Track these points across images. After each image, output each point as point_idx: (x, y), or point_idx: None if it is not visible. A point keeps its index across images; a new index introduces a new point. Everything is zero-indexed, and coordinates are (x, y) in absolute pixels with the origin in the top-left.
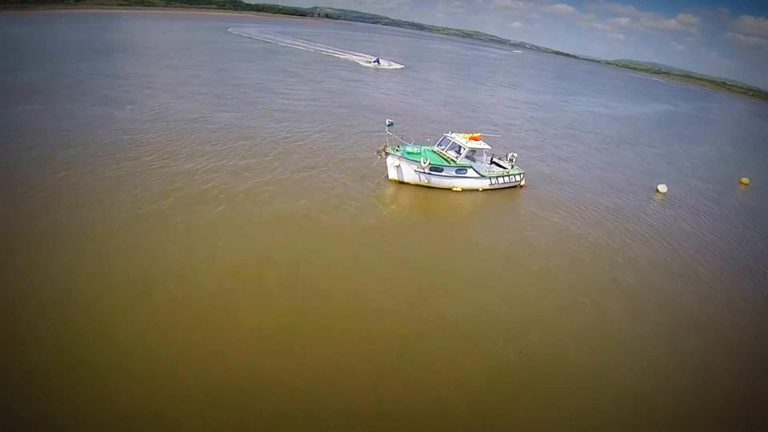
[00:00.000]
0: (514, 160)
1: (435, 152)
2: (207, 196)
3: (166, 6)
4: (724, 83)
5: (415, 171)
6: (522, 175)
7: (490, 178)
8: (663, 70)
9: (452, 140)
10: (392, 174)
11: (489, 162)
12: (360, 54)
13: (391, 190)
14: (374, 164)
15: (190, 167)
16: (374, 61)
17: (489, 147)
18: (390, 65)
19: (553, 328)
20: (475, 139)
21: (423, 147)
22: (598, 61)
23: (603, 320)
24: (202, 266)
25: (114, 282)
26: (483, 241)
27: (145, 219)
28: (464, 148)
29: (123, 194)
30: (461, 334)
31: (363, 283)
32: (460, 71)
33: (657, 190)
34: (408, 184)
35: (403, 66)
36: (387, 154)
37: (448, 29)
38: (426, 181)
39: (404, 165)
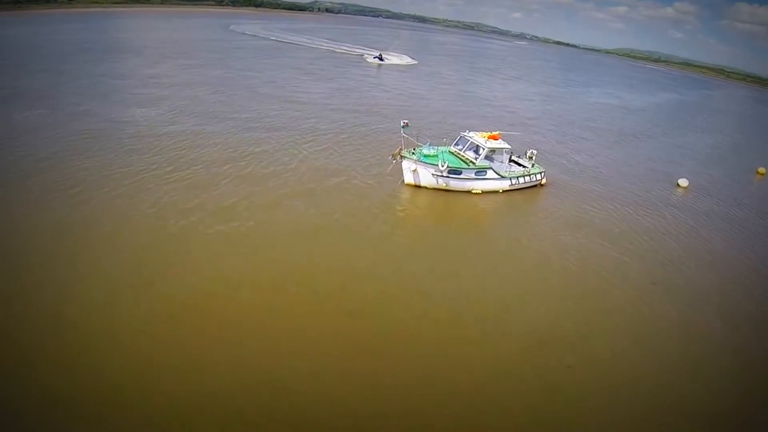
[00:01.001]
0: (533, 157)
1: (452, 153)
2: (235, 210)
3: (162, 3)
4: (723, 70)
5: (433, 175)
6: (543, 174)
7: (510, 178)
8: (663, 59)
9: (470, 140)
10: (408, 178)
11: (508, 161)
12: (368, 49)
13: (407, 195)
14: (389, 169)
15: (212, 174)
16: (375, 57)
17: (509, 146)
18: (402, 60)
19: (609, 338)
20: (495, 138)
21: (439, 148)
22: (599, 51)
23: (659, 326)
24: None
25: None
26: (513, 248)
27: (176, 238)
28: (483, 149)
29: (146, 213)
30: (512, 347)
31: (393, 299)
32: (470, 64)
33: (678, 185)
34: (425, 188)
35: (416, 62)
36: (402, 158)
37: (449, 21)
38: (444, 184)
39: (421, 169)
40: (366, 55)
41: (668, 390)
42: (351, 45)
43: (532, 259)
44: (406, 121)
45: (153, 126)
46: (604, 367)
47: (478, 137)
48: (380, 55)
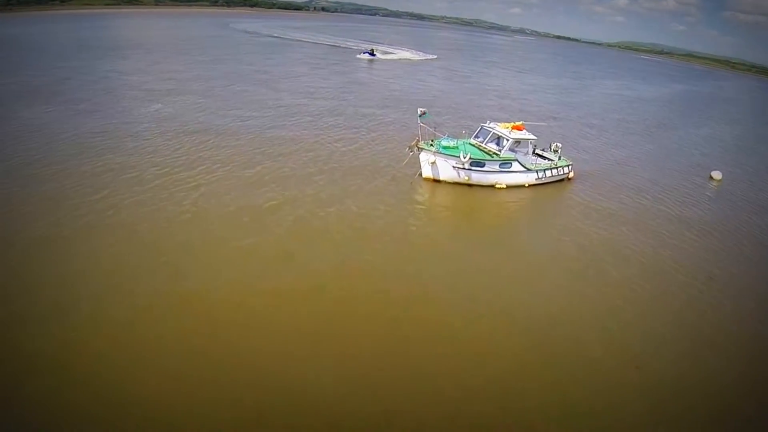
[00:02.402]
0: (559, 150)
1: (473, 145)
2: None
3: (156, 4)
4: (728, 61)
5: (454, 167)
6: (570, 167)
7: (537, 171)
8: (665, 51)
9: (492, 131)
10: (426, 172)
11: (532, 153)
12: (372, 44)
13: (427, 190)
14: (405, 162)
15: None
16: (365, 53)
17: (535, 137)
18: (416, 55)
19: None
20: (519, 128)
21: (458, 140)
22: (600, 44)
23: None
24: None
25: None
26: (553, 252)
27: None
28: (507, 139)
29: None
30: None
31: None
32: (480, 58)
33: (711, 177)
34: (445, 182)
35: (434, 56)
36: (420, 149)
37: (447, 18)
38: (466, 178)
39: (440, 161)
40: (367, 51)
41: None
42: (355, 41)
43: (582, 261)
44: (423, 109)
45: (173, 122)
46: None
47: (500, 128)
48: (372, 50)
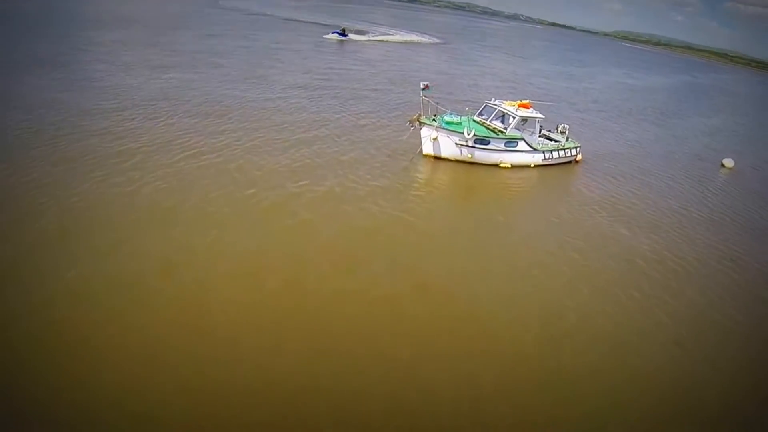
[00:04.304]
0: (566, 131)
1: (477, 122)
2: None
3: None
4: (726, 54)
5: (456, 144)
6: (578, 149)
7: (543, 152)
8: (663, 42)
9: (497, 108)
10: (427, 148)
11: (539, 134)
12: (364, 24)
13: (427, 168)
14: (406, 136)
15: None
16: (335, 33)
17: (542, 116)
18: (420, 38)
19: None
20: (525, 106)
21: (462, 116)
22: (596, 33)
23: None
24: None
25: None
26: (558, 242)
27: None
28: (513, 117)
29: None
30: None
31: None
32: (480, 43)
33: (723, 165)
34: (447, 159)
35: (439, 40)
36: (421, 124)
37: (439, 1)
38: (469, 155)
39: (442, 137)
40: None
41: None
42: (351, 22)
43: (600, 252)
44: (426, 83)
45: (201, 94)
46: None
47: (506, 105)
48: (343, 30)
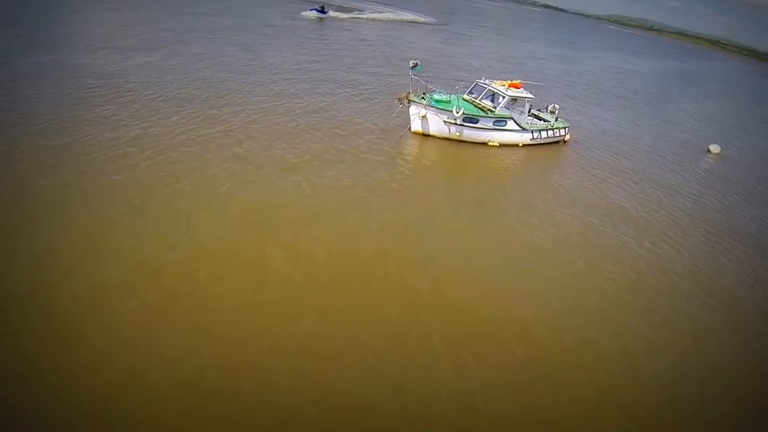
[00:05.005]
0: (556, 111)
1: (467, 101)
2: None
3: None
4: (718, 42)
5: (445, 122)
6: (567, 129)
7: (532, 131)
8: (656, 27)
9: (487, 87)
10: (416, 126)
11: (528, 114)
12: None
13: (415, 145)
14: (394, 114)
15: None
16: (313, 10)
17: (532, 96)
18: (415, 17)
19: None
20: (516, 86)
21: (452, 95)
22: (589, 16)
23: None
24: None
25: None
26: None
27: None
28: (503, 97)
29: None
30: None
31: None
32: (474, 23)
33: (709, 150)
34: (435, 137)
35: (432, 20)
36: (410, 102)
37: None
38: (457, 134)
39: (431, 115)
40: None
41: None
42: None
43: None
44: (416, 61)
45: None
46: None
47: (496, 85)
48: (322, 6)
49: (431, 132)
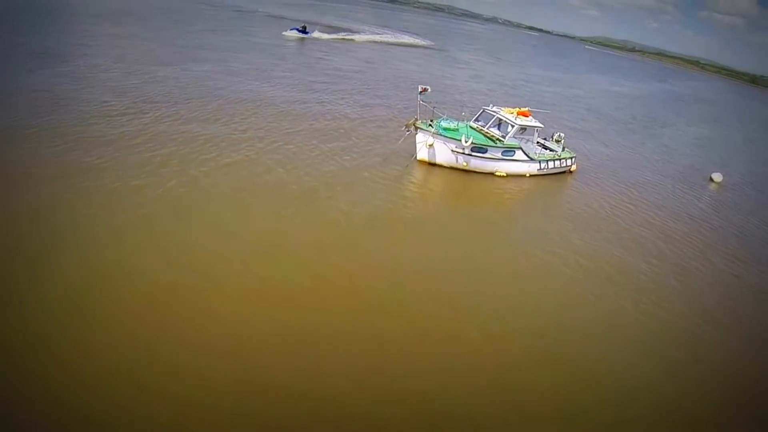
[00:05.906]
0: (562, 140)
1: (474, 129)
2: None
3: None
4: (698, 62)
5: (452, 151)
6: (573, 159)
7: (540, 161)
8: (637, 48)
9: (495, 115)
10: (422, 154)
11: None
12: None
13: (422, 174)
14: (401, 141)
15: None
16: (294, 30)
17: (541, 125)
18: (413, 40)
19: None
20: (525, 114)
21: (459, 122)
22: (573, 38)
23: None
24: None
25: None
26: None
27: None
28: (513, 125)
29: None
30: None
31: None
32: (467, 45)
33: (711, 179)
34: (441, 166)
35: (430, 42)
36: (417, 129)
37: (419, 2)
38: (464, 163)
39: (438, 144)
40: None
41: None
42: (330, 17)
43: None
44: (424, 87)
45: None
46: None
47: (504, 112)
48: (304, 27)
49: (438, 161)
